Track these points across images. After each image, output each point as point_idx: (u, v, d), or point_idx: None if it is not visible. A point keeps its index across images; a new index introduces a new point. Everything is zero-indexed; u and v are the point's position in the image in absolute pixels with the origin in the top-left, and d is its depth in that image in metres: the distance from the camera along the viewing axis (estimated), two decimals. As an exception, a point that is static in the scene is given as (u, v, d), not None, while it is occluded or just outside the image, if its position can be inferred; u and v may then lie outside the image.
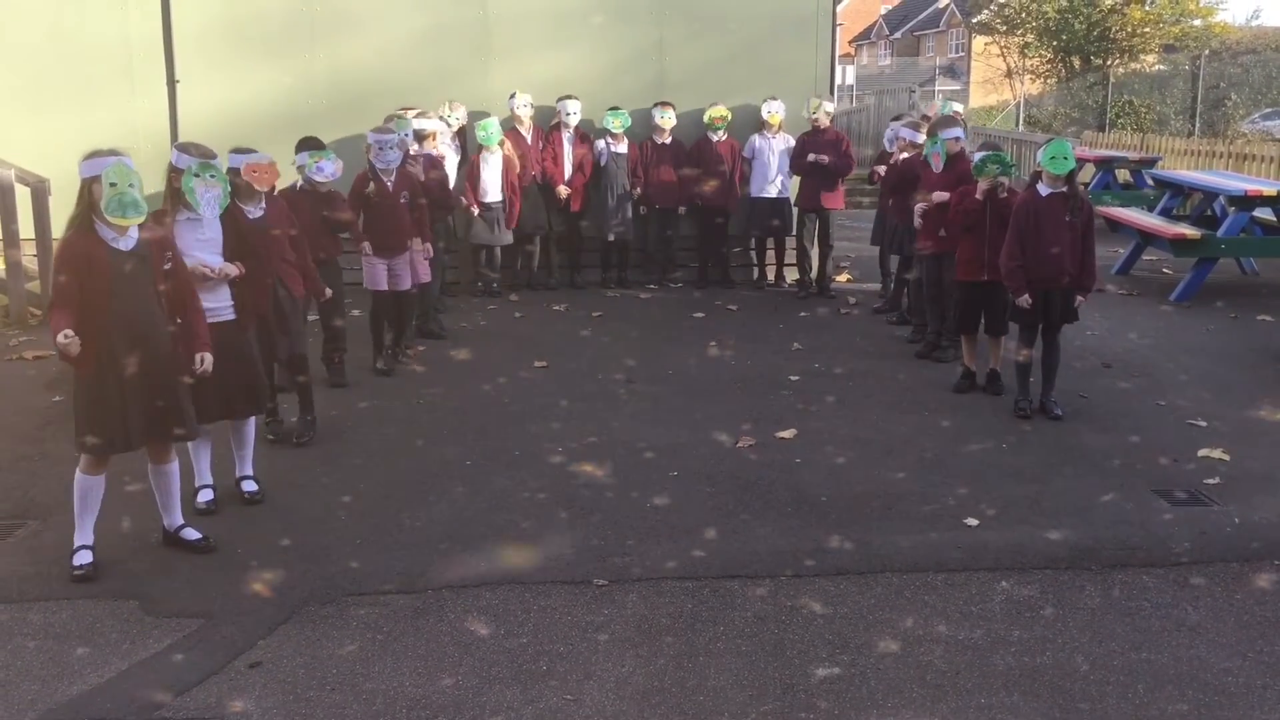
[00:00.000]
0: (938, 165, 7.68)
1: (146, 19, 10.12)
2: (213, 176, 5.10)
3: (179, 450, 4.99)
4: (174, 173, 5.16)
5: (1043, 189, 6.61)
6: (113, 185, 4.38)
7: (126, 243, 4.52)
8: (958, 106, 9.58)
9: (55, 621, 4.30)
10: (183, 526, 4.95)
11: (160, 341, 4.62)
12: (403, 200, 7.66)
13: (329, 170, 6.95)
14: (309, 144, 7.01)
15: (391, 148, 7.59)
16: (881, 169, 9.41)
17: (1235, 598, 4.51)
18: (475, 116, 9.98)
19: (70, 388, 4.70)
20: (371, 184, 7.52)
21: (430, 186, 8.30)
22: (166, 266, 4.67)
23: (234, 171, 5.54)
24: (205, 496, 5.38)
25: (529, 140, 10.26)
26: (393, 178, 7.62)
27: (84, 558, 4.66)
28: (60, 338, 4.32)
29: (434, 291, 8.86)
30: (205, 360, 4.83)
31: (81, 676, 3.92)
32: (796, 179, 10.32)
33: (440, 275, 9.17)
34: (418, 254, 7.91)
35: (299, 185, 7.04)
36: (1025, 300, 6.60)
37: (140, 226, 4.57)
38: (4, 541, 5.02)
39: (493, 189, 9.89)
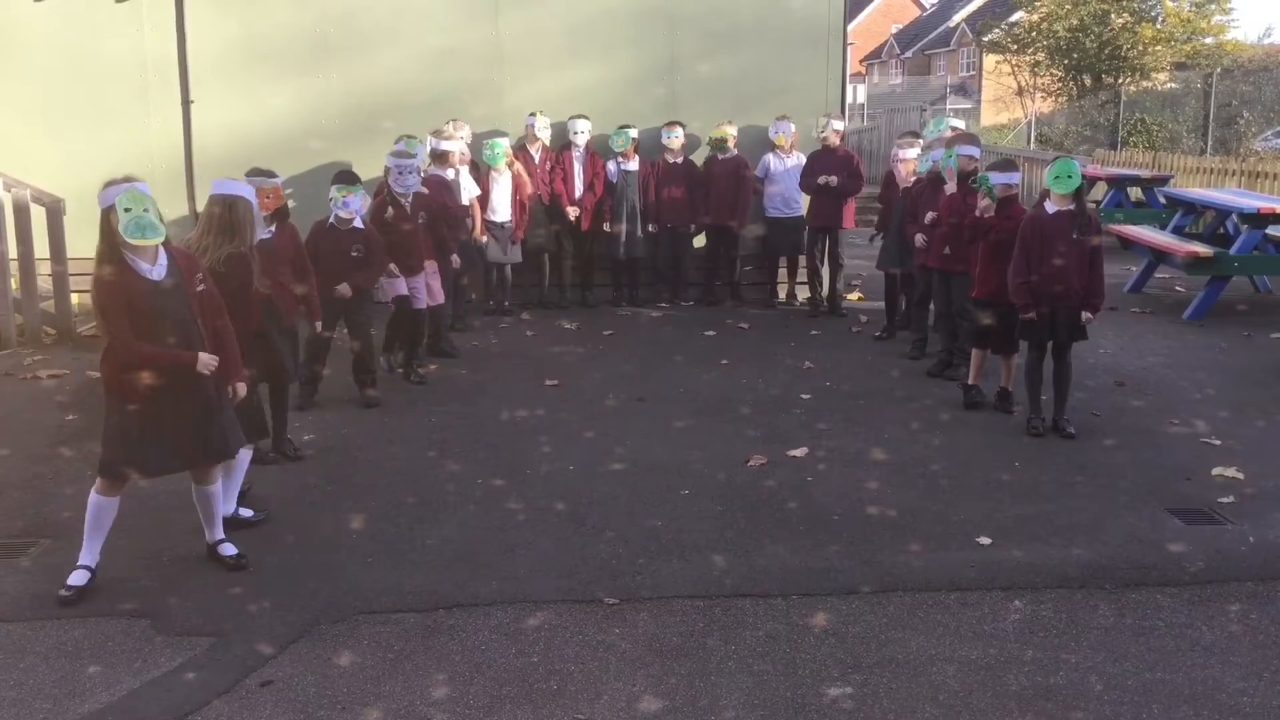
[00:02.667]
0: (951, 178, 7.68)
1: (161, 40, 10.23)
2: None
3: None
4: (224, 202, 5.21)
5: (1050, 207, 6.61)
6: (127, 210, 4.40)
7: (158, 271, 4.53)
8: (957, 123, 9.58)
9: (67, 640, 4.31)
10: (221, 542, 4.97)
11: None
12: (420, 221, 7.72)
13: (355, 205, 7.06)
14: (343, 178, 7.11)
15: (411, 172, 7.67)
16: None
17: (1250, 617, 4.48)
18: (488, 136, 10.02)
19: (98, 409, 4.70)
20: (390, 209, 7.59)
21: (439, 208, 8.33)
22: (199, 289, 4.69)
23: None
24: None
25: (536, 160, 10.29)
26: (409, 200, 7.69)
27: (80, 578, 4.64)
28: (207, 358, 4.52)
29: (447, 311, 8.88)
30: (238, 390, 4.88)
31: (93, 695, 3.92)
32: (806, 200, 10.35)
33: (456, 295, 9.16)
34: (430, 275, 8.00)
35: (330, 221, 7.10)
36: (1030, 315, 6.59)
37: (167, 250, 4.59)
38: (17, 560, 5.03)
39: (502, 208, 9.91)
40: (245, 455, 5.52)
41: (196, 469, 4.80)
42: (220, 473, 4.93)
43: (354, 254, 7.05)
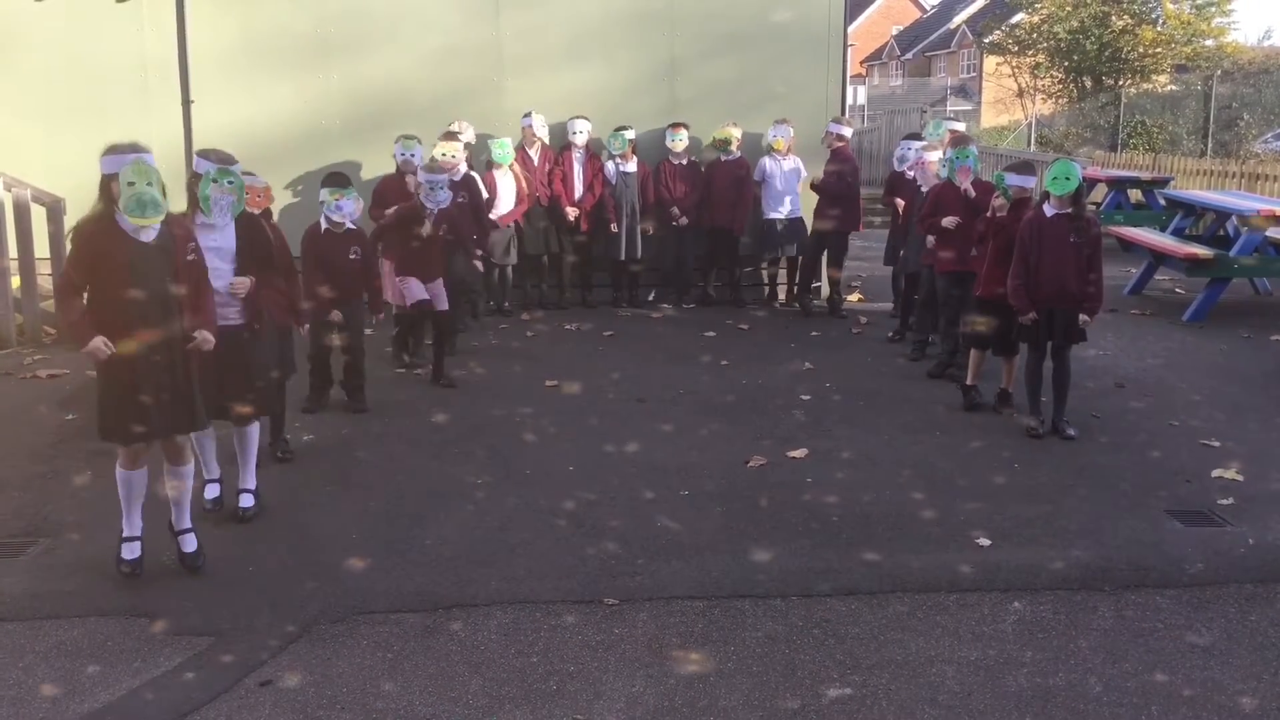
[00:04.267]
0: (966, 178, 7.63)
1: (162, 40, 10.22)
2: (230, 183, 5.13)
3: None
4: (194, 178, 5.21)
5: (1049, 209, 6.61)
6: (130, 184, 4.39)
7: (148, 234, 4.52)
8: (956, 125, 9.56)
9: (67, 639, 4.31)
10: (186, 532, 4.92)
11: (176, 335, 4.64)
12: (441, 233, 7.74)
13: (348, 210, 7.01)
14: (332, 180, 7.07)
15: (442, 188, 7.61)
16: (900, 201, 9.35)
17: (1249, 619, 4.48)
18: (489, 136, 10.01)
19: (88, 396, 4.74)
20: (427, 224, 7.58)
21: (466, 211, 8.37)
22: (190, 258, 4.67)
23: None
24: (212, 493, 5.46)
25: (535, 161, 10.28)
26: (435, 215, 7.72)
27: (133, 551, 4.74)
28: (98, 344, 4.38)
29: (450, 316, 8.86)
30: (203, 337, 4.72)
31: (93, 694, 3.93)
32: (807, 200, 10.35)
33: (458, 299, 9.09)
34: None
35: (323, 226, 7.08)
36: (1029, 318, 6.59)
37: (165, 219, 4.57)
38: (16, 559, 5.03)
39: (504, 209, 9.90)
40: (253, 431, 5.55)
41: (168, 447, 4.77)
42: (191, 454, 4.89)
43: (351, 257, 7.04)
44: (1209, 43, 29.88)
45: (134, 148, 4.50)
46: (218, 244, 5.21)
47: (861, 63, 59.50)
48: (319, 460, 6.38)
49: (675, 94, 10.85)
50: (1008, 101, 35.34)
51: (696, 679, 4.02)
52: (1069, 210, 6.56)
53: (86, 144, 9.46)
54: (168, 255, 4.58)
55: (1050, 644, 4.27)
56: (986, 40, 35.87)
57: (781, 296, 11.09)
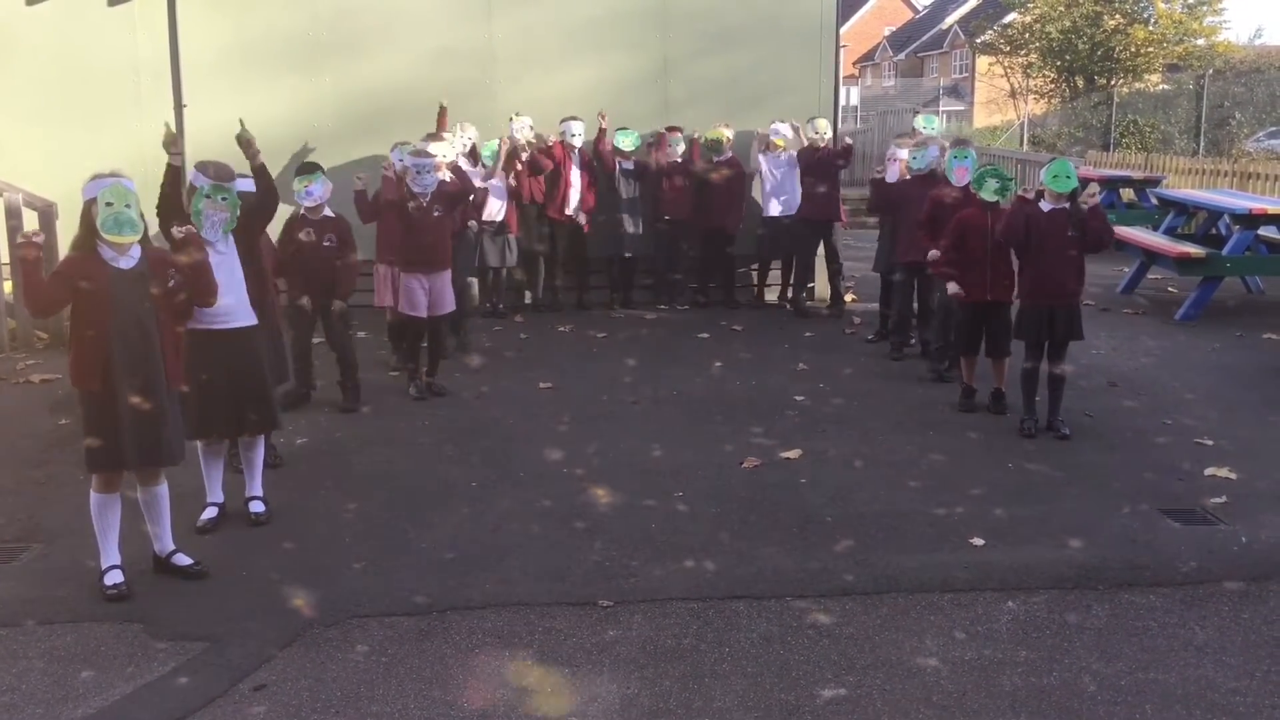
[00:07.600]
0: (963, 178, 7.58)
1: (155, 43, 10.22)
2: (223, 199, 5.14)
3: (189, 468, 5.05)
4: (191, 191, 5.21)
5: (1045, 205, 6.62)
6: (109, 205, 4.44)
7: (127, 261, 4.57)
8: (933, 125, 9.56)
9: (60, 644, 4.30)
10: (174, 552, 4.91)
11: (157, 362, 4.65)
12: (436, 214, 7.49)
13: (317, 193, 6.99)
14: (301, 169, 7.11)
15: (429, 171, 7.40)
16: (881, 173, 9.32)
17: (1243, 617, 4.49)
18: (484, 137, 10.00)
19: (77, 409, 4.74)
20: (412, 202, 7.33)
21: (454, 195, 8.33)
22: (170, 284, 4.69)
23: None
24: (209, 514, 5.41)
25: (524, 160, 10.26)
26: (427, 198, 7.46)
27: (115, 577, 4.69)
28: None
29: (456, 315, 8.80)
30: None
31: (86, 700, 3.92)
32: (800, 199, 10.36)
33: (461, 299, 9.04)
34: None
35: (300, 213, 7.10)
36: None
37: (143, 246, 4.62)
38: (9, 564, 5.02)
39: (498, 209, 9.89)
40: (260, 442, 5.57)
41: (140, 470, 4.75)
42: (164, 475, 4.84)
43: (326, 244, 7.00)
44: (1200, 42, 29.98)
45: (115, 174, 4.56)
46: (219, 258, 5.19)
47: (854, 64, 59.56)
48: (312, 463, 6.37)
49: (668, 94, 10.86)
50: (1000, 102, 35.42)
51: (691, 681, 4.02)
52: (1064, 205, 6.57)
53: (79, 148, 9.60)
54: (145, 282, 4.60)
55: (1044, 643, 4.28)
56: (979, 40, 35.98)
57: (772, 297, 11.08)
